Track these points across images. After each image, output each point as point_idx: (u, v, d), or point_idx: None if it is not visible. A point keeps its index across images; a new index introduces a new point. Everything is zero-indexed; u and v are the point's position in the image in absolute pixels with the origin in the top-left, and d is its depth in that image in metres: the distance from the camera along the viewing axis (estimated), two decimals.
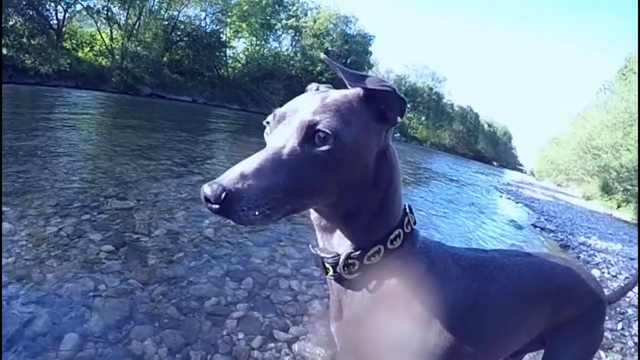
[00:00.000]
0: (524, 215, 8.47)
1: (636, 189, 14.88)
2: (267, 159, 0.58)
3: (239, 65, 31.48)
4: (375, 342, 0.75)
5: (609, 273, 4.49)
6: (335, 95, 0.66)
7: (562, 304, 0.93)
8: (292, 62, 33.46)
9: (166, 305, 1.98)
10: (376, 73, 39.75)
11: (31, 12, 18.38)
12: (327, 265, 0.73)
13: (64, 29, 20.33)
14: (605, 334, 2.67)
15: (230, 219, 0.56)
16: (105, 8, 21.95)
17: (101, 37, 22.00)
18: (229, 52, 30.79)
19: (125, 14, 22.90)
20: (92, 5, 21.75)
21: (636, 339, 2.73)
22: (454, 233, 4.94)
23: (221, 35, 29.15)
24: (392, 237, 0.72)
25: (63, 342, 1.60)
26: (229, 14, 27.99)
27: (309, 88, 0.81)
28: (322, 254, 0.74)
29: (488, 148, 63.58)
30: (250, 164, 0.57)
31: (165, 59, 24.84)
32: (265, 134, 0.69)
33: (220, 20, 28.05)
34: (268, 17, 30.79)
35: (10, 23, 17.12)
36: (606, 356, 2.47)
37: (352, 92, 0.67)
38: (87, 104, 11.65)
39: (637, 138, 15.33)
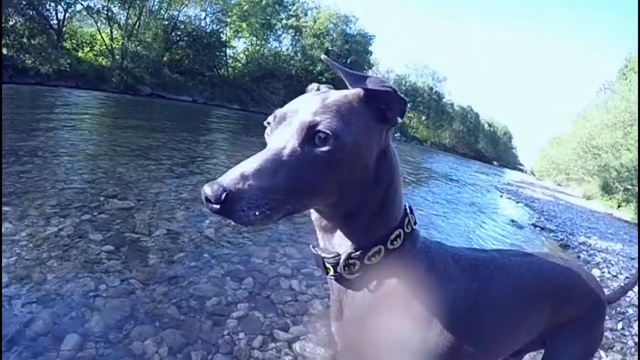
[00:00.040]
0: (524, 215, 8.47)
1: (636, 188, 14.89)
2: (267, 159, 0.59)
3: (239, 65, 31.49)
4: (376, 342, 0.75)
5: (609, 273, 4.49)
6: (336, 95, 0.66)
7: (562, 304, 0.93)
8: (292, 61, 33.48)
9: (167, 305, 1.98)
10: (376, 72, 39.84)
11: (31, 12, 18.40)
12: (328, 265, 0.73)
13: (64, 29, 20.35)
14: (606, 333, 2.68)
15: (231, 219, 0.56)
16: (106, 8, 21.97)
17: (101, 37, 22.02)
18: (229, 51, 30.82)
19: (126, 14, 22.90)
20: (92, 5, 21.79)
21: (636, 339, 2.74)
22: (454, 233, 4.94)
23: (221, 35, 29.16)
24: (392, 237, 0.72)
25: (64, 342, 1.60)
26: (229, 13, 27.99)
27: (309, 88, 0.81)
28: (323, 254, 0.74)
29: (488, 148, 63.53)
30: (251, 164, 0.58)
31: (165, 58, 24.86)
32: (265, 135, 0.69)
33: (220, 20, 28.05)
34: (268, 17, 30.78)
35: (11, 23, 17.14)
36: (606, 356, 2.47)
37: (353, 92, 0.67)
38: (87, 104, 11.66)
39: (637, 138, 15.33)
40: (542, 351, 1.04)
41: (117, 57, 21.48)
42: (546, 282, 0.92)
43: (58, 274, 2.06)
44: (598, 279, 1.14)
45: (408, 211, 0.77)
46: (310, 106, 0.63)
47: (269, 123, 0.69)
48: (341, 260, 0.71)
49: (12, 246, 2.24)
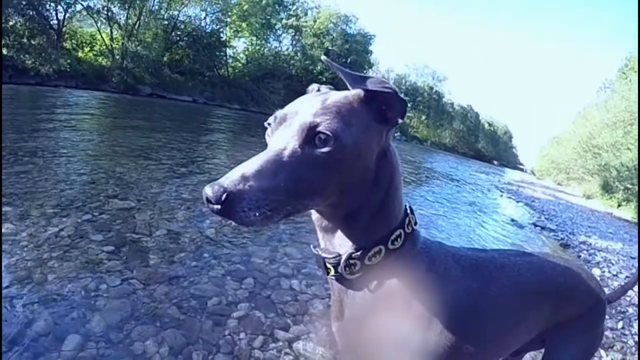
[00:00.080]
0: (525, 215, 8.47)
1: (636, 187, 14.88)
2: (268, 160, 0.59)
3: (239, 64, 31.49)
4: (377, 342, 0.75)
5: (609, 272, 4.49)
6: (336, 96, 0.66)
7: (562, 304, 0.94)
8: (292, 61, 33.48)
9: (167, 305, 1.99)
10: (376, 72, 39.82)
11: (31, 13, 18.40)
12: (329, 266, 0.73)
13: (64, 29, 20.35)
14: (606, 332, 2.68)
15: (232, 220, 0.56)
16: (105, 8, 21.97)
17: (101, 37, 22.02)
18: (229, 51, 30.82)
19: (125, 14, 22.90)
20: (92, 5, 21.79)
21: (636, 338, 2.74)
22: (454, 232, 4.94)
23: (221, 35, 29.15)
24: (393, 237, 0.72)
25: (65, 342, 1.60)
26: (229, 13, 27.98)
27: (309, 89, 0.82)
28: (324, 254, 0.74)
29: (488, 147, 63.49)
30: (252, 165, 0.58)
31: (165, 58, 24.86)
32: (266, 136, 0.69)
33: (220, 20, 28.05)
34: (268, 17, 30.77)
35: (11, 23, 17.14)
36: (607, 355, 2.47)
37: (353, 93, 0.67)
38: (87, 104, 11.66)
39: (637, 137, 15.32)
40: (542, 350, 1.05)
41: (117, 57, 21.48)
42: (546, 282, 0.92)
43: (59, 274, 2.06)
44: (598, 278, 1.14)
45: (408, 211, 0.77)
46: (311, 107, 0.63)
47: (269, 124, 0.69)
48: (342, 261, 0.71)
49: (12, 246, 2.25)
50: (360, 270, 0.72)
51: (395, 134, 0.74)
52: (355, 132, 0.63)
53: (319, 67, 31.58)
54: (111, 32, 22.35)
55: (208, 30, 27.80)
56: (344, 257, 0.71)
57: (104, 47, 21.90)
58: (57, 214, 2.80)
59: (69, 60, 17.80)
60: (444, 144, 50.85)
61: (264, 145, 0.67)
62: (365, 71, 34.94)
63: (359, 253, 0.71)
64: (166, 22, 25.31)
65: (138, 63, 21.36)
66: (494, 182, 16.41)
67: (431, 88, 48.79)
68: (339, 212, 0.70)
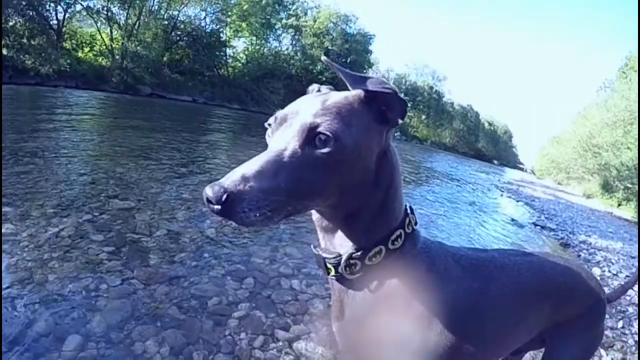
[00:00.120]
0: (525, 214, 8.47)
1: (636, 187, 14.88)
2: (268, 161, 0.59)
3: (239, 64, 31.47)
4: (377, 342, 0.75)
5: (609, 271, 4.49)
6: (336, 97, 0.66)
7: (562, 303, 0.94)
8: (292, 61, 33.46)
9: (168, 305, 1.99)
10: (376, 72, 39.80)
11: (31, 13, 18.38)
12: (329, 266, 0.73)
13: (64, 29, 20.32)
14: (606, 332, 2.68)
15: (232, 220, 0.56)
16: (105, 8, 21.94)
17: (101, 37, 22.00)
18: (229, 51, 30.79)
19: (125, 14, 22.88)
20: (92, 6, 21.75)
21: (637, 337, 2.74)
22: (454, 232, 4.94)
23: (221, 35, 29.13)
24: (393, 237, 0.72)
25: (65, 342, 1.60)
26: (229, 13, 27.96)
27: (310, 90, 0.82)
28: (324, 255, 0.74)
29: (488, 147, 63.47)
30: (252, 166, 0.58)
31: (165, 58, 24.84)
32: (266, 136, 0.70)
33: (220, 20, 28.02)
34: (268, 17, 30.74)
35: (11, 23, 17.12)
36: (607, 354, 2.47)
37: (353, 94, 0.67)
38: (87, 104, 11.66)
39: (637, 136, 15.32)
40: (543, 350, 1.05)
41: (117, 57, 21.46)
42: (546, 282, 0.92)
43: (59, 274, 2.06)
44: (598, 278, 1.14)
45: (409, 211, 0.77)
46: (311, 108, 0.64)
47: (269, 125, 0.69)
48: (342, 261, 0.71)
49: (13, 247, 2.25)
50: (360, 270, 0.72)
51: (395, 134, 0.74)
52: (356, 133, 0.63)
53: (318, 67, 31.57)
54: (111, 32, 22.34)
55: (208, 30, 27.78)
56: (344, 257, 0.71)
57: (104, 47, 21.88)
58: (58, 214, 2.81)
59: (68, 61, 17.78)
60: (444, 143, 50.84)
61: (264, 145, 0.68)
62: (365, 71, 34.96)
63: (359, 253, 0.71)
64: (166, 22, 25.29)
65: (138, 63, 21.34)
66: (494, 182, 16.42)
67: (431, 87, 48.77)
68: (339, 213, 0.70)
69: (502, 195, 11.67)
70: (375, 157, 0.68)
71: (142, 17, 23.29)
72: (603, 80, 24.99)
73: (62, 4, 20.00)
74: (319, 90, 0.80)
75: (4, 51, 15.24)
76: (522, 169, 66.70)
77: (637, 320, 2.99)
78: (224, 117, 16.79)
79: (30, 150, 4.38)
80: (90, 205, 3.09)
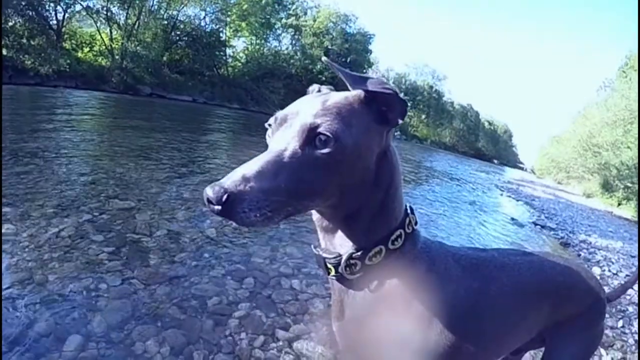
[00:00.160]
0: (525, 213, 8.47)
1: (636, 186, 14.88)
2: (268, 161, 0.59)
3: (239, 64, 31.45)
4: (377, 342, 0.75)
5: (609, 271, 4.49)
6: (336, 97, 0.67)
7: (561, 303, 0.94)
8: (292, 60, 33.42)
9: (168, 305, 1.99)
10: (376, 71, 39.78)
11: (31, 13, 18.36)
12: (329, 266, 0.74)
13: (63, 29, 20.30)
14: (606, 331, 2.68)
15: (232, 221, 0.56)
16: (105, 8, 21.91)
17: (101, 37, 21.98)
18: (228, 51, 30.77)
19: (125, 14, 22.86)
20: (91, 6, 21.72)
21: (637, 337, 2.74)
22: (454, 231, 4.94)
23: (221, 35, 29.10)
24: (393, 237, 0.72)
25: (66, 343, 1.61)
26: (229, 13, 27.94)
27: (310, 90, 0.82)
28: (324, 255, 0.74)
29: (488, 146, 63.45)
30: (252, 166, 0.58)
31: (165, 58, 24.81)
32: (267, 137, 0.70)
33: (219, 20, 27.99)
34: (268, 16, 30.71)
35: (10, 24, 17.10)
36: (607, 354, 2.47)
37: (353, 94, 0.67)
38: (87, 104, 11.65)
39: (637, 135, 15.31)
40: (542, 349, 1.05)
41: (117, 57, 21.44)
42: (545, 281, 0.92)
43: (60, 274, 2.07)
44: (598, 277, 1.14)
45: (409, 211, 0.78)
46: (311, 108, 0.64)
47: (270, 125, 0.70)
48: (342, 261, 0.71)
49: (13, 247, 2.25)
50: (360, 270, 0.72)
51: (395, 133, 0.74)
52: (356, 133, 0.63)
53: (318, 67, 31.54)
54: (110, 32, 22.32)
55: (207, 30, 27.75)
56: (344, 257, 0.71)
57: (104, 47, 21.86)
58: (58, 214, 2.81)
59: (68, 61, 17.76)
60: (444, 142, 50.82)
61: (264, 145, 0.68)
62: (364, 70, 34.95)
63: (359, 253, 0.71)
64: (165, 22, 25.26)
65: (138, 63, 21.33)
66: (494, 181, 16.42)
67: (431, 87, 48.74)
68: (339, 213, 0.70)
69: (502, 194, 11.67)
70: (375, 157, 0.68)
71: (141, 17, 23.27)
72: (603, 80, 24.97)
73: (61, 4, 19.98)
74: (319, 91, 0.80)
75: (4, 51, 15.23)
76: (522, 169, 66.70)
77: (637, 320, 2.99)
78: (224, 116, 16.79)
79: (30, 151, 4.38)
80: (90, 205, 3.09)
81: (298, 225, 3.39)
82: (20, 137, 4.96)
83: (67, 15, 20.62)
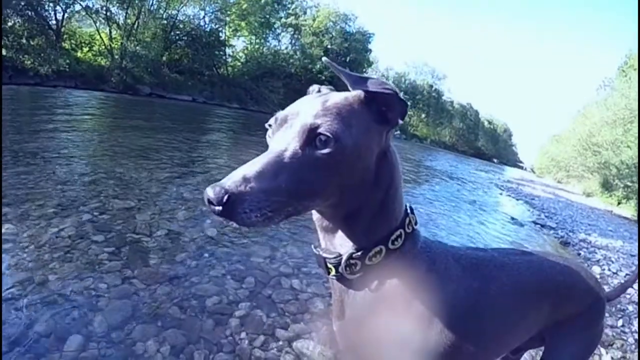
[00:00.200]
0: (525, 213, 8.47)
1: (636, 185, 14.88)
2: (269, 162, 0.59)
3: (239, 63, 31.43)
4: (377, 342, 0.76)
5: (609, 270, 4.49)
6: (336, 98, 0.67)
7: (561, 302, 0.94)
8: (291, 60, 33.40)
9: (168, 305, 1.99)
10: (376, 71, 39.76)
11: (30, 13, 18.32)
12: (330, 266, 0.74)
13: (63, 29, 20.26)
14: (606, 330, 2.68)
15: (233, 221, 0.57)
16: (104, 8, 21.88)
17: (100, 37, 21.95)
18: (228, 50, 30.72)
19: (124, 14, 22.83)
20: (90, 5, 21.69)
21: (636, 336, 2.74)
22: (454, 231, 4.94)
23: (220, 34, 29.07)
24: (393, 237, 0.73)
25: (67, 343, 1.61)
26: (228, 12, 27.91)
27: (310, 90, 0.82)
28: (325, 254, 0.74)
29: (488, 145, 63.49)
30: (253, 167, 0.58)
31: (164, 58, 24.79)
32: (267, 137, 0.70)
33: (219, 19, 27.97)
34: (267, 16, 30.69)
35: (10, 24, 17.06)
36: (607, 353, 2.48)
37: (353, 94, 0.67)
38: (86, 104, 11.65)
39: (637, 135, 15.31)
40: (542, 348, 1.05)
41: (116, 57, 21.42)
42: (545, 281, 0.92)
43: (60, 274, 2.07)
44: (598, 277, 1.15)
45: (409, 211, 0.78)
46: (311, 108, 0.64)
47: (270, 125, 0.70)
48: (343, 261, 0.71)
49: (13, 247, 2.25)
50: (360, 270, 0.72)
51: (395, 132, 0.74)
52: (356, 133, 0.63)
53: (318, 66, 31.51)
54: (110, 32, 22.29)
55: (207, 30, 27.72)
56: (344, 257, 0.71)
57: (103, 47, 21.83)
58: (58, 214, 2.81)
59: (68, 61, 17.74)
60: (443, 142, 50.84)
61: (264, 145, 0.68)
62: (364, 69, 34.96)
63: (359, 253, 0.71)
64: (165, 22, 25.23)
65: (137, 63, 21.31)
66: (494, 180, 16.42)
67: (431, 86, 48.74)
68: (339, 213, 0.71)
69: (501, 193, 11.67)
70: (375, 158, 0.68)
71: (141, 17, 23.24)
72: (603, 79, 24.99)
73: (61, 4, 19.93)
74: (319, 91, 0.80)
75: (4, 51, 15.21)
76: (521, 168, 66.74)
77: (637, 319, 2.99)
78: (223, 116, 16.78)
79: (31, 151, 4.37)
80: (90, 205, 3.09)
81: (298, 224, 3.39)
82: (20, 137, 4.96)
83: (66, 15, 20.57)
